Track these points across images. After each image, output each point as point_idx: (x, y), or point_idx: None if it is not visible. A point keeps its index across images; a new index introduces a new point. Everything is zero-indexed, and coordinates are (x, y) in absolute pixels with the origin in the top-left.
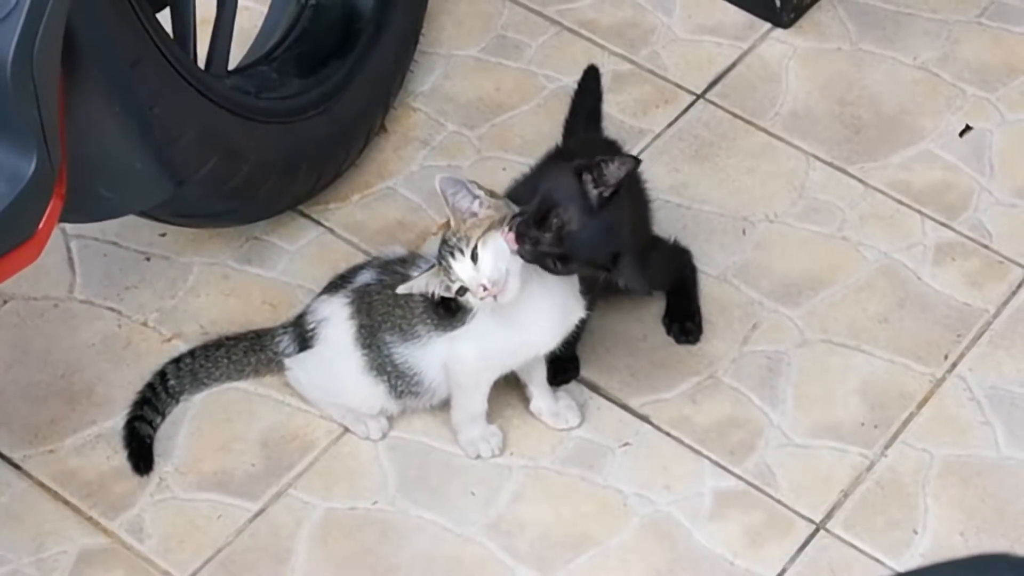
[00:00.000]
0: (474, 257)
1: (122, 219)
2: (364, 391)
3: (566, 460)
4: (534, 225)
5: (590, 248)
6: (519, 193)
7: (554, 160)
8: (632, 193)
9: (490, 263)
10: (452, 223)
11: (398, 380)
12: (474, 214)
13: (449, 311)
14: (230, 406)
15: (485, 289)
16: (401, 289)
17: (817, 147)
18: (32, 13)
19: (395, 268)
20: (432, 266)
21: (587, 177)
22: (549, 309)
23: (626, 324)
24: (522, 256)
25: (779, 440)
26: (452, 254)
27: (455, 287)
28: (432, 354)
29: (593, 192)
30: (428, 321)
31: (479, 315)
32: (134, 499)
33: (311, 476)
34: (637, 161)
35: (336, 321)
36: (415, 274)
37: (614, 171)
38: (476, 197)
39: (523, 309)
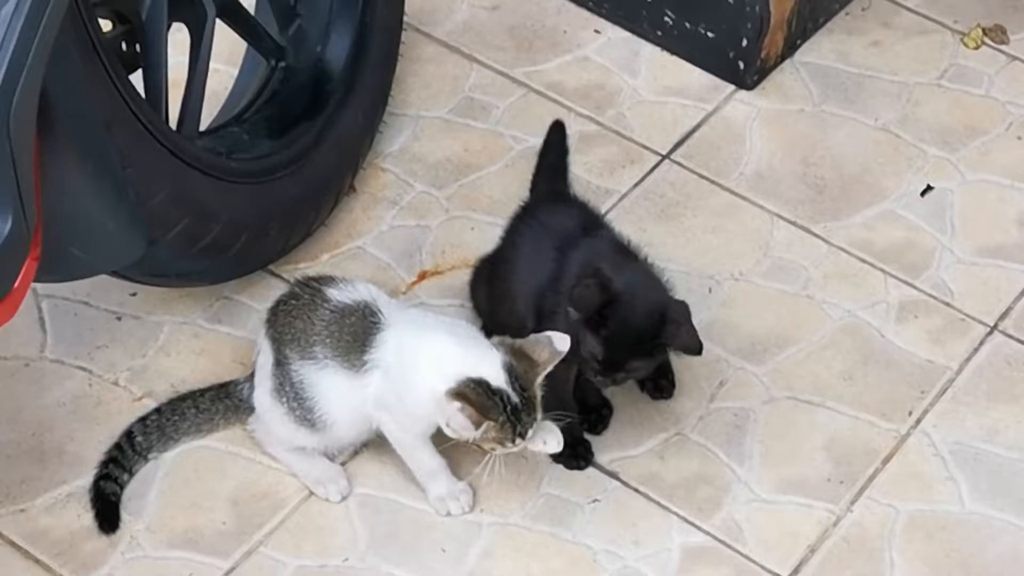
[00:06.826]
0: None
1: (93, 279)
2: (275, 416)
3: (536, 516)
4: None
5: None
6: (494, 266)
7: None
8: None
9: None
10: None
11: (296, 404)
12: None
13: None
14: (200, 464)
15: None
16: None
17: (781, 207)
18: (8, 75)
19: (311, 283)
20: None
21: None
22: None
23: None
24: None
25: (746, 496)
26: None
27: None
28: (328, 382)
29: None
30: (327, 345)
31: (380, 384)
32: (105, 558)
33: (282, 534)
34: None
35: (262, 346)
36: (331, 292)
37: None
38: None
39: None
